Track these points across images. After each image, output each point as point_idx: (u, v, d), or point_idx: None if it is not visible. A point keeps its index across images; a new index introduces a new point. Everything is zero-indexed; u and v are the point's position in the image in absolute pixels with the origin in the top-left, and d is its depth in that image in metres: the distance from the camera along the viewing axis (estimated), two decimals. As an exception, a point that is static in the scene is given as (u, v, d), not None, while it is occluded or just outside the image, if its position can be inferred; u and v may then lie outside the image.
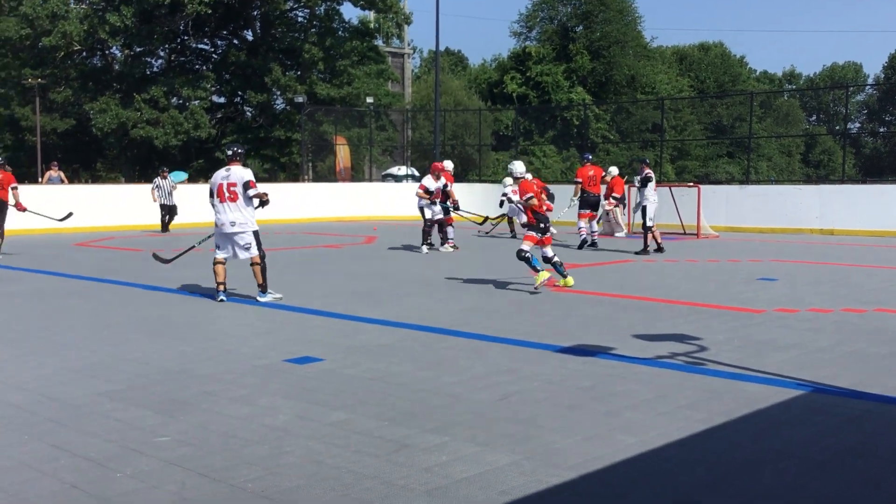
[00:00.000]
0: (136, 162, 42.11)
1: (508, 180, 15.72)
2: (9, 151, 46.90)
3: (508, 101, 53.10)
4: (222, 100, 44.85)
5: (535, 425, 4.61)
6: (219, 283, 9.16)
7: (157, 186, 20.54)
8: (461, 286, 10.31)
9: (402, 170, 36.88)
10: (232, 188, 8.91)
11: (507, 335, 7.21)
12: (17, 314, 8.45)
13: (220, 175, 9.02)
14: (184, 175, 29.08)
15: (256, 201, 8.99)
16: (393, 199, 26.95)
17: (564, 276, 10.04)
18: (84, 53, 41.87)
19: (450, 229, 15.41)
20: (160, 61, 43.02)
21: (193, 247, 10.64)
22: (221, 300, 9.06)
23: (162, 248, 16.46)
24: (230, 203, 8.93)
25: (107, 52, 42.16)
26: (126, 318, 8.16)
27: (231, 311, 8.68)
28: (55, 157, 35.87)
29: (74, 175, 43.23)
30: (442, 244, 15.20)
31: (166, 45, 41.93)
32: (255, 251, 9.05)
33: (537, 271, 9.71)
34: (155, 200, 20.50)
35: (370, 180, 33.73)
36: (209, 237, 9.67)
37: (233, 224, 8.95)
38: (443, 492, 3.64)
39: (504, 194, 14.22)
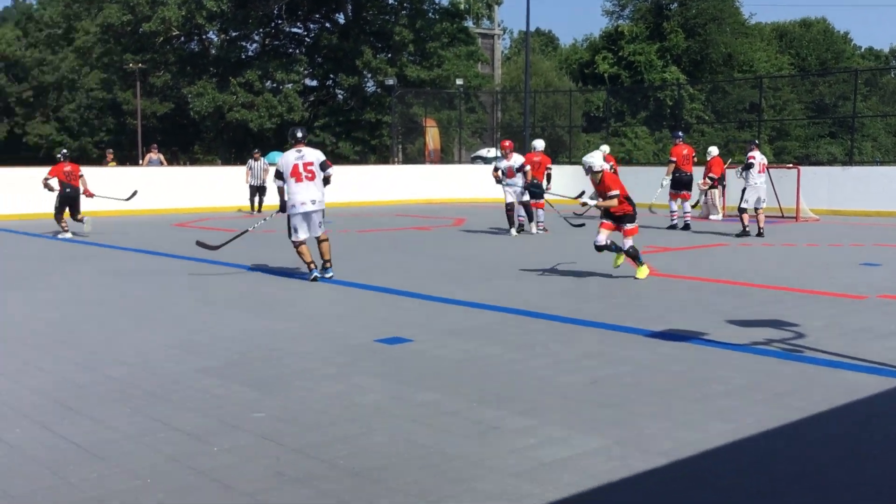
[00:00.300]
0: (232, 144, 43.21)
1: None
2: (112, 134, 48.77)
3: (600, 82, 52.29)
4: (314, 83, 45.55)
5: (626, 410, 4.56)
6: (309, 263, 9.34)
7: (249, 168, 21.04)
8: (550, 269, 10.24)
9: (491, 152, 36.79)
10: (309, 167, 9.15)
11: (597, 319, 7.13)
12: (121, 291, 8.79)
13: (292, 156, 9.19)
14: (281, 156, 29.73)
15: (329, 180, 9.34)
16: (482, 182, 26.88)
17: (640, 264, 9.44)
18: (182, 38, 43.08)
19: (540, 212, 15.23)
20: (255, 45, 43.95)
21: (247, 230, 10.84)
22: (315, 278, 9.24)
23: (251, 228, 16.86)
24: (308, 182, 9.14)
25: (204, 36, 43.28)
26: (223, 297, 8.41)
27: (324, 291, 8.84)
28: (155, 139, 37.07)
29: (173, 157, 44.60)
30: (529, 226, 15.01)
31: (261, 30, 42.79)
32: (323, 228, 9.38)
33: (639, 263, 9.36)
34: (248, 182, 21.00)
35: (459, 162, 33.76)
36: (264, 220, 9.91)
37: (313, 202, 9.20)
38: (531, 474, 3.63)
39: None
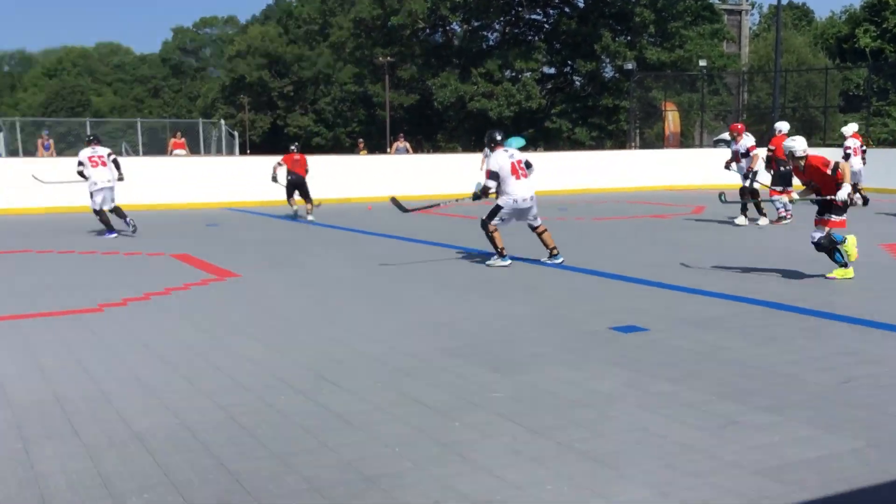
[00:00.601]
0: (473, 132, 44.36)
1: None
2: (362, 125, 51.65)
3: (860, 58, 48.23)
4: (552, 70, 45.69)
5: (883, 412, 4.26)
6: (501, 249, 9.67)
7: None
8: (794, 259, 9.66)
9: (735, 135, 35.10)
10: (520, 165, 9.71)
11: (852, 313, 6.67)
12: (372, 273, 9.37)
13: (504, 157, 9.74)
14: (522, 141, 30.05)
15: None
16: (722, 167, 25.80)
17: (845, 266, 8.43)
18: (427, 30, 44.75)
19: (781, 200, 14.23)
20: (495, 34, 44.77)
21: (439, 204, 11.33)
22: (509, 264, 9.59)
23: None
24: (524, 179, 9.69)
25: (447, 27, 44.68)
26: (464, 280, 8.73)
27: (559, 277, 8.94)
28: (402, 129, 38.86)
29: (418, 146, 46.53)
30: (757, 216, 14.04)
31: (501, 18, 43.51)
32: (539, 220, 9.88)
33: (844, 266, 8.38)
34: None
35: (700, 146, 32.56)
36: (456, 201, 10.81)
37: (531, 199, 9.68)
38: (775, 472, 3.51)
39: None
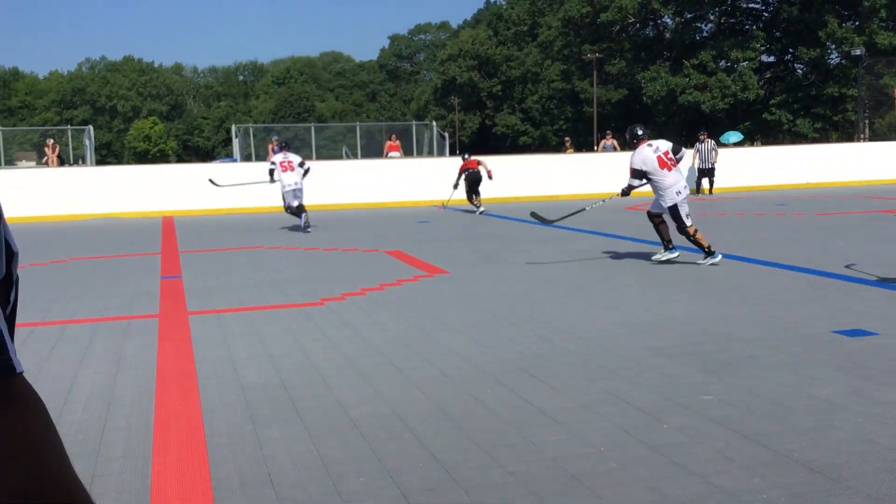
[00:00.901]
0: (683, 126, 43.03)
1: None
2: (569, 122, 51.45)
3: None
4: (771, 59, 43.41)
5: None
6: (668, 242, 9.52)
7: (697, 150, 20.84)
8: None
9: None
10: (668, 156, 9.43)
11: None
12: (577, 270, 9.34)
13: (649, 152, 9.45)
14: (738, 136, 28.83)
15: None
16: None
17: None
18: (637, 25, 43.90)
19: None
20: (709, 25, 43.17)
21: (584, 209, 10.80)
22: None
23: (707, 212, 16.65)
24: (676, 170, 9.45)
25: (658, 21, 43.60)
26: (672, 278, 8.51)
27: (777, 277, 8.48)
28: (609, 126, 38.36)
29: (625, 142, 45.74)
30: None
31: (716, 9, 41.87)
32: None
33: None
34: (695, 165, 20.84)
35: (942, 137, 29.68)
36: (602, 202, 10.33)
37: (686, 188, 9.49)
38: None
39: None
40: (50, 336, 6.49)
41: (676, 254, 9.56)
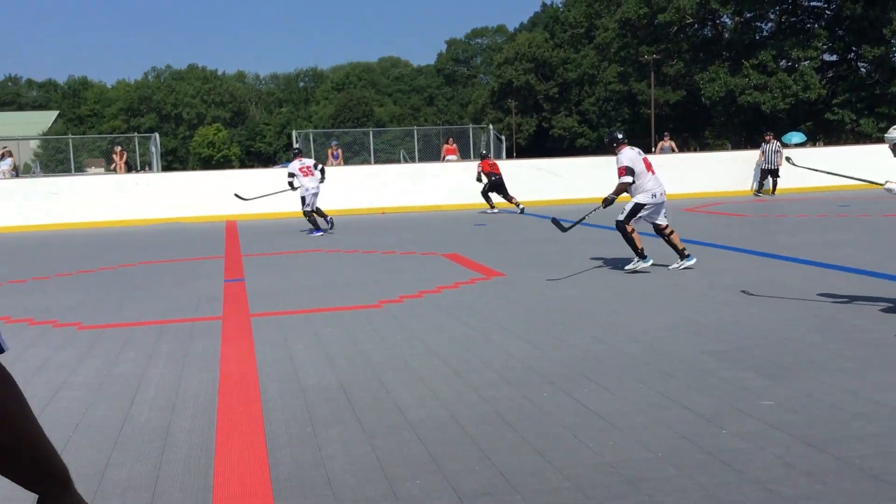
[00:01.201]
0: (743, 127, 42.32)
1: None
2: (626, 124, 51.01)
3: None
4: (833, 58, 42.43)
5: None
6: (640, 249, 9.39)
7: (762, 151, 20.52)
8: None
9: None
10: (647, 161, 9.53)
11: None
12: (635, 273, 9.26)
13: (634, 153, 9.47)
14: (801, 137, 28.22)
15: None
16: None
17: None
18: (695, 26, 43.31)
19: None
20: (770, 24, 42.38)
21: (592, 212, 10.52)
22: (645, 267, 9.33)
23: (767, 213, 16.36)
24: (656, 175, 9.50)
25: (717, 21, 42.96)
26: (733, 281, 8.38)
27: (837, 279, 8.30)
28: (667, 127, 37.94)
29: (683, 143, 45.17)
30: None
31: (776, 8, 41.10)
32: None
33: None
34: (760, 165, 20.53)
35: None
36: (595, 210, 9.79)
37: (663, 193, 9.50)
38: None
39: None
40: (119, 338, 6.68)
41: (694, 260, 9.48)
